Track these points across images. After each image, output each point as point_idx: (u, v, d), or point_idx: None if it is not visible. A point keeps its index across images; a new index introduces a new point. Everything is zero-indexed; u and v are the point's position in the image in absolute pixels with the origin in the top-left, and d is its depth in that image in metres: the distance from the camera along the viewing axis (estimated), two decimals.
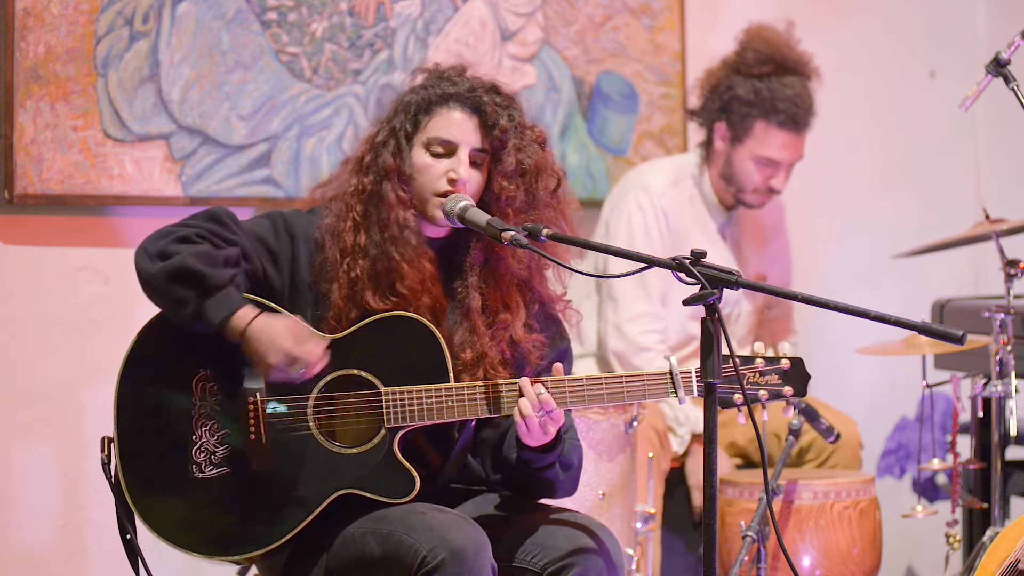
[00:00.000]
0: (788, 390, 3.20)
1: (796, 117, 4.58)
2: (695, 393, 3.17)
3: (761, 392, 3.19)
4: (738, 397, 3.15)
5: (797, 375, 3.21)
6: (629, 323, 4.54)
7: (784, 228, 4.93)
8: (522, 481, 3.28)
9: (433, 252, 3.26)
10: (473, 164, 3.25)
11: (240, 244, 3.19)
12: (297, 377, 3.12)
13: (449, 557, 2.99)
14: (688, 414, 4.51)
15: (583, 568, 3.12)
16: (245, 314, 3.11)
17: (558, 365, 3.23)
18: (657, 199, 4.61)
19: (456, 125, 3.24)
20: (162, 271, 3.10)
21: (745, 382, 3.16)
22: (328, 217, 3.27)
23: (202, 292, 3.09)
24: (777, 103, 4.56)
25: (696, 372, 3.16)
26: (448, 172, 3.23)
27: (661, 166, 4.78)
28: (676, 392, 3.17)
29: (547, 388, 3.14)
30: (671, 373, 3.16)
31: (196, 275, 3.08)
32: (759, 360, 3.21)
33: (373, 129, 3.32)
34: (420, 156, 3.25)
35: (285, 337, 3.10)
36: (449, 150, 3.24)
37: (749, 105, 4.58)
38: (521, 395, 3.13)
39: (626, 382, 3.17)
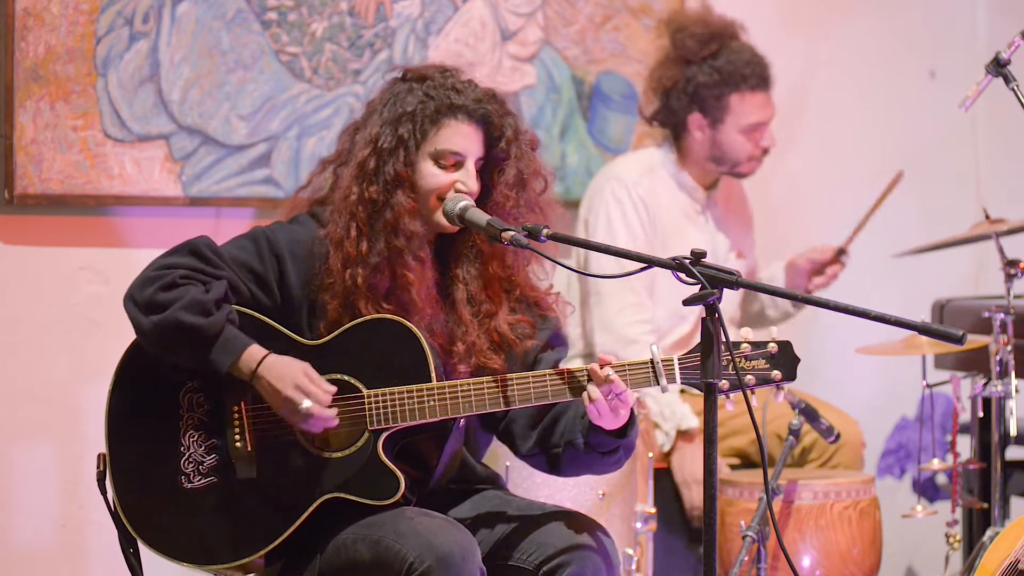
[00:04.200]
0: (777, 374, 3.13)
1: (763, 74, 4.60)
2: (678, 382, 3.13)
3: (748, 377, 3.11)
4: (724, 383, 3.08)
5: (785, 359, 3.13)
6: (616, 316, 4.52)
7: (748, 208, 4.91)
8: (577, 463, 3.27)
9: (432, 257, 3.29)
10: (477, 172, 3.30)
11: (225, 277, 3.18)
12: (305, 418, 3.10)
13: (435, 564, 2.99)
14: (674, 409, 4.49)
15: (579, 567, 3.12)
16: (253, 354, 3.12)
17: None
18: (633, 188, 4.58)
19: (464, 137, 3.26)
20: (155, 328, 3.10)
21: (731, 367, 3.07)
22: (329, 225, 3.27)
23: (201, 344, 3.10)
24: (743, 71, 4.57)
25: (679, 361, 3.13)
26: (456, 184, 3.25)
27: (631, 158, 4.77)
28: (658, 381, 3.13)
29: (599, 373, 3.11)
30: (652, 362, 3.13)
31: (191, 329, 3.08)
32: (745, 345, 3.14)
33: (372, 130, 3.28)
34: (427, 167, 3.26)
35: (291, 382, 3.10)
36: (457, 162, 3.27)
37: (717, 85, 4.57)
38: (589, 380, 3.12)
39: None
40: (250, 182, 4.46)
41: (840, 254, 4.76)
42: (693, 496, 4.48)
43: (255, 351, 3.12)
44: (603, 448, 3.23)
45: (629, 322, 4.50)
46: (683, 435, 4.50)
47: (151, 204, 4.33)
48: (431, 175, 3.25)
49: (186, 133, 4.37)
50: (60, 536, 4.27)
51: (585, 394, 3.12)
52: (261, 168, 4.47)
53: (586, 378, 3.14)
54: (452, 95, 3.27)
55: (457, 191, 3.24)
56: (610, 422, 3.15)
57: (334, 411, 3.12)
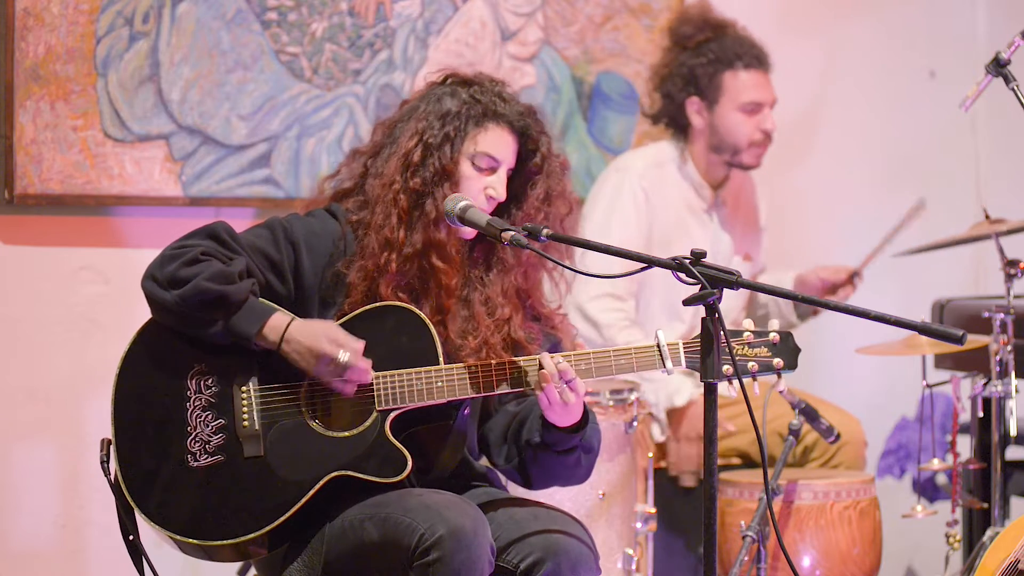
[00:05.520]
0: (778, 362, 3.18)
1: (758, 56, 4.62)
2: (683, 364, 3.19)
3: (751, 364, 3.17)
4: (727, 368, 3.09)
5: (787, 348, 3.20)
6: (590, 302, 4.52)
7: (757, 212, 4.91)
8: (539, 466, 3.31)
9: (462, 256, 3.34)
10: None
11: (243, 259, 3.21)
12: (342, 370, 3.12)
13: (447, 534, 3.01)
14: (668, 381, 4.49)
15: (554, 565, 3.13)
16: (279, 321, 3.15)
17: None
18: (638, 179, 4.60)
19: (504, 145, 3.32)
20: (179, 299, 3.12)
21: (733, 354, 3.06)
22: (363, 212, 3.30)
23: (227, 310, 3.13)
24: (736, 49, 4.61)
25: (683, 344, 3.19)
26: (487, 188, 3.31)
27: (642, 151, 4.79)
28: (664, 364, 3.19)
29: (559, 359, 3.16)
30: (658, 346, 3.19)
31: (216, 296, 3.11)
32: (747, 333, 3.19)
33: (418, 124, 3.32)
34: (465, 167, 3.31)
35: (324, 337, 3.13)
36: (492, 167, 3.31)
37: (711, 64, 4.61)
38: (541, 367, 3.16)
39: (614, 356, 3.21)
40: (250, 182, 4.46)
41: (854, 276, 4.77)
42: (680, 450, 4.53)
43: (281, 316, 3.16)
44: (559, 446, 3.25)
45: (603, 309, 4.51)
46: (673, 413, 4.52)
47: (151, 204, 4.33)
48: (466, 177, 3.31)
49: (186, 133, 4.37)
50: (60, 536, 4.27)
51: (536, 382, 3.17)
52: (261, 168, 4.47)
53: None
54: (498, 102, 3.33)
55: (488, 196, 3.30)
56: (560, 413, 3.18)
57: (369, 362, 3.15)
